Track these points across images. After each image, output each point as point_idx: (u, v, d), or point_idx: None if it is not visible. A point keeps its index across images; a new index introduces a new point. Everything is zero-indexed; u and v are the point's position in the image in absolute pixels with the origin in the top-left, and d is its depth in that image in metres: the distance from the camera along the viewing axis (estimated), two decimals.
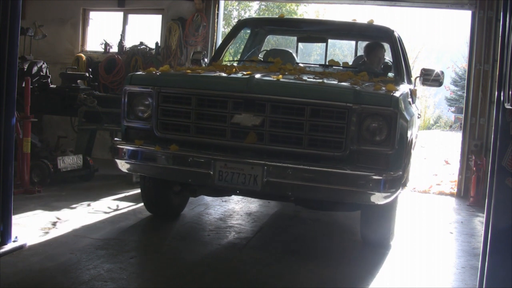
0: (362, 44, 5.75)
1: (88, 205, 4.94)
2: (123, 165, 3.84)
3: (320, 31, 5.65)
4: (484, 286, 2.59)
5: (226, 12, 17.29)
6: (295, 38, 6.17)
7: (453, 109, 25.93)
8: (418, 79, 4.73)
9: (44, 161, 5.60)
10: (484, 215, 2.64)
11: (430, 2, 7.13)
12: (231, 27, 6.47)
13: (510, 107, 2.48)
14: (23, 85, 5.45)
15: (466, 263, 3.96)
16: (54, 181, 5.64)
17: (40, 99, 6.53)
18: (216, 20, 7.66)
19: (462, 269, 3.82)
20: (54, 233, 3.93)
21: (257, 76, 3.59)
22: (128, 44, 8.03)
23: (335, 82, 3.66)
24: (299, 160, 3.40)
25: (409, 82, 4.95)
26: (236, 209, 5.17)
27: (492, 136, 2.68)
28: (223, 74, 3.80)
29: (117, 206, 4.97)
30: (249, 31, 5.96)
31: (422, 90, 23.10)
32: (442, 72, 4.65)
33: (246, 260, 3.67)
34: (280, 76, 3.66)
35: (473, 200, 6.37)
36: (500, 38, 2.66)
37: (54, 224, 4.19)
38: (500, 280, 2.53)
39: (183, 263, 3.57)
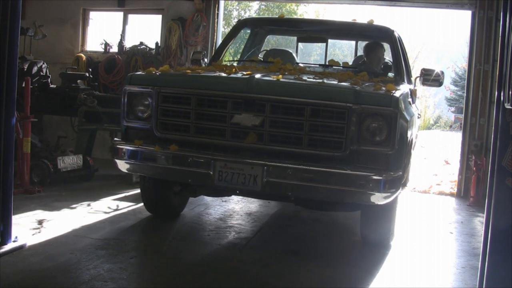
0: (362, 44, 5.74)
1: (88, 205, 4.94)
2: (122, 165, 3.83)
3: (320, 31, 5.64)
4: (484, 286, 2.59)
5: (226, 12, 17.29)
6: (295, 38, 6.17)
7: (453, 109, 25.93)
8: (418, 79, 4.73)
9: (44, 161, 5.60)
10: (484, 215, 2.64)
11: (430, 2, 7.13)
12: (231, 27, 6.46)
13: (510, 107, 2.48)
14: (23, 85, 5.45)
15: (466, 263, 3.96)
16: (54, 181, 5.64)
17: (40, 99, 6.53)
18: (216, 20, 7.67)
19: (462, 269, 3.82)
20: (54, 233, 3.92)
21: (257, 76, 3.59)
22: (128, 44, 8.03)
23: (335, 82, 3.66)
24: (299, 160, 3.40)
25: (409, 82, 4.95)
26: (236, 209, 5.17)
27: (492, 136, 2.68)
28: (223, 74, 3.80)
29: (117, 206, 4.97)
30: (249, 31, 5.96)
31: (422, 90, 23.10)
32: (442, 72, 4.65)
33: (246, 260, 3.67)
34: (280, 76, 3.66)
35: (473, 200, 6.37)
36: (500, 38, 2.66)
37: (54, 224, 4.19)
38: (500, 280, 2.53)
39: (183, 263, 3.57)
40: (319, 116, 3.39)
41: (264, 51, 5.49)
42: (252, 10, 19.19)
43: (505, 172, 2.53)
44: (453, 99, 27.12)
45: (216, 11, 7.67)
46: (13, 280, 3.00)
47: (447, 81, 19.34)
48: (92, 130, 6.56)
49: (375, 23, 5.11)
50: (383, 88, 3.52)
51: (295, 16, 17.45)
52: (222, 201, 5.42)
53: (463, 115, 7.25)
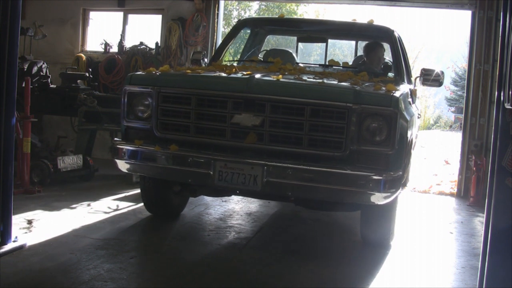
0: (362, 44, 5.75)
1: (88, 205, 4.94)
2: (123, 165, 3.83)
3: (320, 31, 5.65)
4: (484, 286, 2.59)
5: (226, 12, 17.29)
6: (295, 38, 6.17)
7: (453, 109, 25.94)
8: (418, 79, 4.73)
9: (44, 161, 5.60)
10: (484, 215, 2.64)
11: (430, 2, 7.13)
12: (231, 27, 6.46)
13: (510, 107, 2.48)
14: (23, 85, 5.45)
15: (466, 263, 3.96)
16: (54, 181, 5.64)
17: (40, 99, 6.53)
18: (216, 20, 7.67)
19: (462, 269, 3.82)
20: (54, 233, 3.92)
21: (257, 76, 3.59)
22: (128, 44, 8.03)
23: (335, 82, 3.66)
24: (299, 160, 3.40)
25: (409, 82, 4.95)
26: (236, 209, 5.17)
27: (492, 136, 2.68)
28: (223, 74, 3.80)
29: (117, 206, 4.97)
30: (249, 31, 5.96)
31: (422, 90, 23.11)
32: (442, 72, 4.65)
33: (246, 260, 3.67)
34: (280, 76, 3.66)
35: (473, 200, 6.37)
36: (500, 38, 2.66)
37: (54, 224, 4.19)
38: (500, 280, 2.53)
39: (183, 263, 3.57)
40: (319, 116, 3.39)
41: (264, 51, 5.49)
42: (252, 10, 19.21)
43: (505, 172, 2.53)
44: (453, 99, 27.13)
45: (216, 11, 7.67)
46: (13, 280, 3.00)
47: (447, 81, 19.35)
48: (92, 130, 6.56)
49: (375, 23, 5.11)
50: (383, 88, 3.52)
51: (295, 16, 17.44)
52: (222, 201, 5.42)
53: (463, 115, 7.26)
